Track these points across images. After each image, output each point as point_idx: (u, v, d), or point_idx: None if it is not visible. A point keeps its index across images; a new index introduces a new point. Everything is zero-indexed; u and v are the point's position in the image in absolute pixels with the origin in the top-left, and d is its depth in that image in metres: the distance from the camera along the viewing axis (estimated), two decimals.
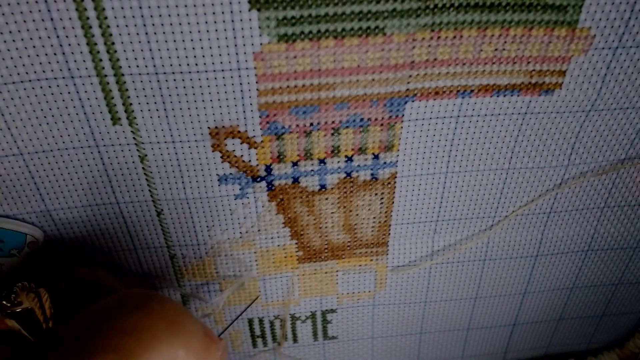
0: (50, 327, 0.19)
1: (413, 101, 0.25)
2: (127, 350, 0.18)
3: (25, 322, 0.19)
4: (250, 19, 0.21)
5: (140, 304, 0.20)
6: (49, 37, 0.20)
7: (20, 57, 0.20)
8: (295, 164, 0.26)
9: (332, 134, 0.25)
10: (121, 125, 0.23)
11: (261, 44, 0.21)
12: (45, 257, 0.26)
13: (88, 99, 0.22)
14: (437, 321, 0.36)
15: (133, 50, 0.21)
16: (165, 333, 0.19)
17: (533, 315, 0.37)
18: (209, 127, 0.24)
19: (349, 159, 0.26)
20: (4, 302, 0.19)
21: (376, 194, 0.28)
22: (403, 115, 0.25)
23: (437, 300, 0.34)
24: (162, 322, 0.20)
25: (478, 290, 0.34)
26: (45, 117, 0.22)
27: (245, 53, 0.22)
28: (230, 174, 0.26)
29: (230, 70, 0.22)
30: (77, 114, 0.23)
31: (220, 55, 0.22)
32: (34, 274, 0.22)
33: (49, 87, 0.22)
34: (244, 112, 0.24)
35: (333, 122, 0.25)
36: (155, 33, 0.21)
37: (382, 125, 0.25)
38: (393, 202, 0.29)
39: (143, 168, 0.25)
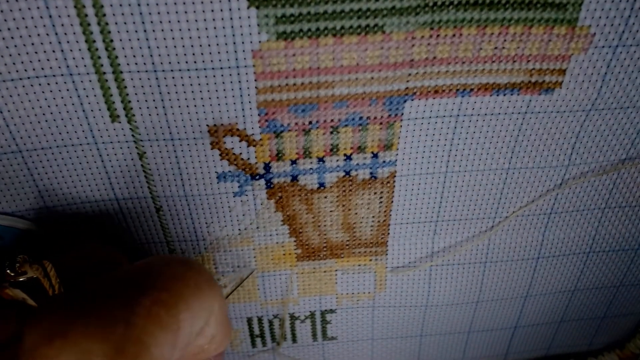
0: (58, 295, 0.19)
1: (412, 100, 0.24)
2: (177, 292, 0.20)
3: (31, 291, 0.19)
4: (249, 17, 0.21)
5: (182, 260, 0.22)
6: (47, 35, 0.20)
7: (19, 54, 0.20)
8: (294, 162, 0.26)
9: (331, 132, 0.25)
10: (120, 122, 0.23)
11: (260, 41, 0.21)
12: (46, 243, 0.26)
13: (87, 96, 0.22)
14: (437, 324, 0.35)
15: (132, 48, 0.21)
16: (206, 285, 0.21)
17: (535, 317, 0.37)
18: (207, 125, 0.24)
19: (348, 157, 0.26)
20: (8, 271, 0.19)
21: (375, 193, 0.28)
22: (402, 114, 0.25)
23: (438, 304, 0.34)
24: (202, 277, 0.21)
25: (480, 294, 0.34)
26: (44, 114, 0.22)
27: (244, 51, 0.22)
28: (229, 171, 0.26)
29: (229, 68, 0.22)
30: (75, 111, 0.23)
31: (219, 52, 0.22)
32: (37, 254, 0.22)
33: (48, 84, 0.22)
34: (243, 110, 0.24)
35: (332, 120, 0.25)
36: (154, 30, 0.21)
37: (381, 123, 0.25)
38: (392, 202, 0.28)
39: (142, 165, 0.25)
